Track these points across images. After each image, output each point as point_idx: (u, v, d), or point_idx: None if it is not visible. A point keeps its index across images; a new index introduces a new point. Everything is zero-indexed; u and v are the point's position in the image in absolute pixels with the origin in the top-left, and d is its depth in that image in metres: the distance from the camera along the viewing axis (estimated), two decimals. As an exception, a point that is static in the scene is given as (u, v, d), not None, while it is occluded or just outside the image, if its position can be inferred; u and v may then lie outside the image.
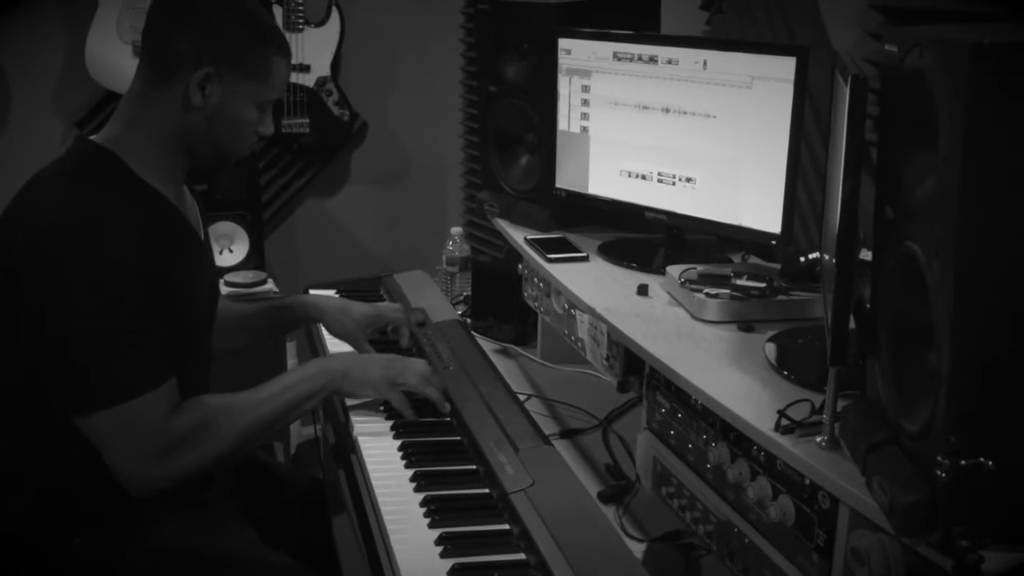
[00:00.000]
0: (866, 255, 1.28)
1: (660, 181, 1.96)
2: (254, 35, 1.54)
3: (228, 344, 1.85)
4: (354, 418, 1.70)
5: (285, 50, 1.58)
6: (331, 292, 2.36)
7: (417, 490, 1.48)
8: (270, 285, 2.95)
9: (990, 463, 0.85)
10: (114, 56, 2.85)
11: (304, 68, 3.05)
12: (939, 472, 0.86)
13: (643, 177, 1.99)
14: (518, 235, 2.20)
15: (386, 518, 1.40)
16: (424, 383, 1.71)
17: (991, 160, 0.91)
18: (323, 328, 2.00)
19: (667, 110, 1.90)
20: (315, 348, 2.05)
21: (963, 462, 0.85)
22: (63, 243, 1.40)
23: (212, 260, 1.77)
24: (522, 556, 1.33)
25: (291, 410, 1.60)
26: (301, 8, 3.01)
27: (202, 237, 1.67)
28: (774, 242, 1.79)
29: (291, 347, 2.99)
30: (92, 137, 1.55)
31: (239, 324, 1.80)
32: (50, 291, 1.40)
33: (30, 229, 1.43)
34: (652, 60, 1.90)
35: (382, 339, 1.99)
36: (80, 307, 1.40)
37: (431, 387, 1.71)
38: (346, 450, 1.69)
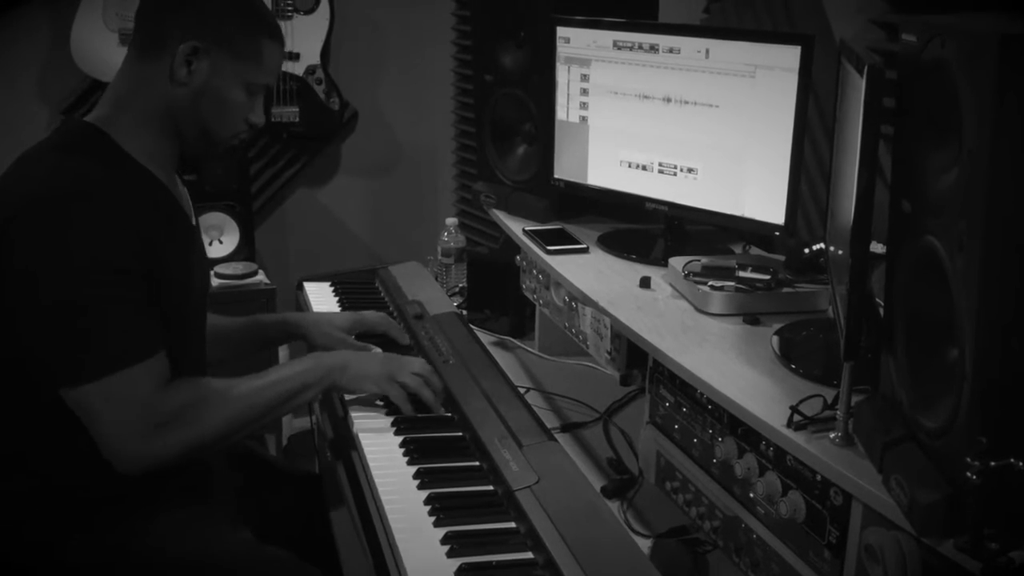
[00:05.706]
0: (874, 247, 1.27)
1: (661, 171, 1.94)
2: (244, 16, 1.54)
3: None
4: (353, 414, 1.67)
5: (277, 35, 1.58)
6: (325, 284, 2.33)
7: (421, 488, 1.46)
8: (261, 276, 2.92)
9: (1021, 463, 0.83)
10: (100, 44, 2.80)
11: (293, 56, 3.01)
12: (969, 474, 0.84)
13: (644, 168, 1.97)
14: (515, 226, 2.17)
15: (390, 516, 1.38)
16: (421, 385, 1.66)
17: (1019, 153, 0.89)
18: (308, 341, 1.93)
19: (668, 99, 1.88)
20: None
21: (993, 463, 0.83)
22: (52, 212, 1.38)
23: (203, 248, 1.75)
24: (529, 555, 1.31)
25: (285, 402, 1.57)
26: (290, -6, 2.97)
27: (193, 223, 1.65)
28: (777, 233, 1.78)
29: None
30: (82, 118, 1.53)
31: (213, 335, 1.76)
32: (38, 260, 1.38)
33: (19, 200, 1.41)
34: (653, 49, 1.88)
35: (383, 341, 1.95)
36: (69, 276, 1.37)
37: (427, 389, 1.67)
38: (346, 446, 1.66)
